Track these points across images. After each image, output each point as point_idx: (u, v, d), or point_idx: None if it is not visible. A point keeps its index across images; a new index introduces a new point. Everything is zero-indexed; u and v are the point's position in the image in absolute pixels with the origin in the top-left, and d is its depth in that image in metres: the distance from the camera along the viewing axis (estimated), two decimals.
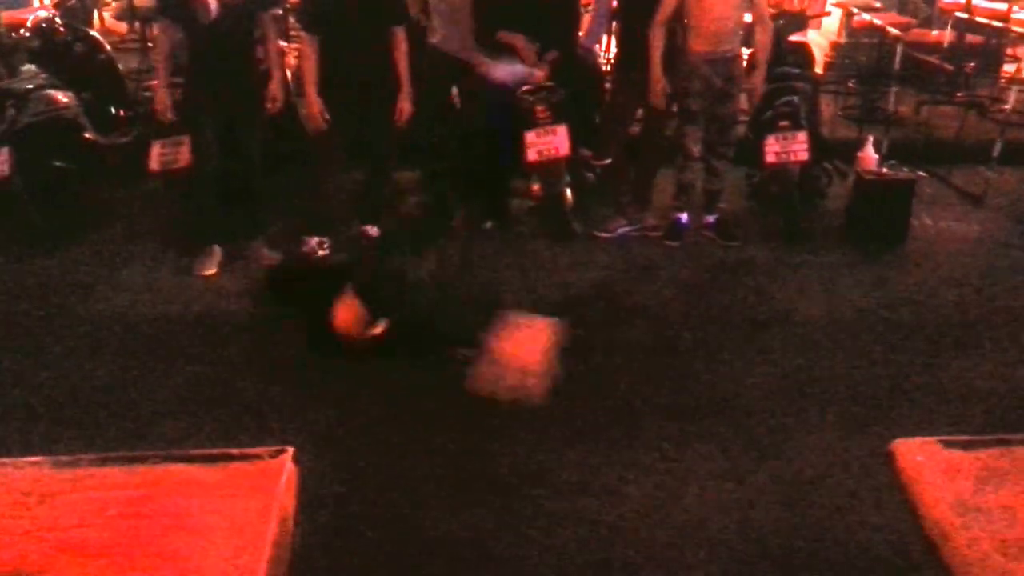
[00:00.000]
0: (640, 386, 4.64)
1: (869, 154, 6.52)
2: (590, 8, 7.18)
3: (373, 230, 6.32)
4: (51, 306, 5.49)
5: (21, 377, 4.72)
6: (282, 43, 7.31)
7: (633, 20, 6.22)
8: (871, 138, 6.79)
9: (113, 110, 7.39)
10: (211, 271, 5.91)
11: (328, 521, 3.55)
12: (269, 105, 5.82)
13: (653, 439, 4.17)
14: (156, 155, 5.89)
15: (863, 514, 3.66)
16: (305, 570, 2.96)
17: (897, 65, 8.33)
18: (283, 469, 2.20)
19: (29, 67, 6.80)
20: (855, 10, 9.57)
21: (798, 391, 4.61)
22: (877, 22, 8.84)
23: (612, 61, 6.81)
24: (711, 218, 6.53)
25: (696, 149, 6.27)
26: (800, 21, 7.88)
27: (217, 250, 6.04)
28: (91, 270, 5.98)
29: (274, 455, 2.26)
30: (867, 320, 5.39)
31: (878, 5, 9.79)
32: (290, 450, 2.27)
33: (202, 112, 5.78)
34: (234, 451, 2.29)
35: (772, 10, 6.40)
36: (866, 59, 9.48)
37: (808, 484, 3.88)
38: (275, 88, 5.81)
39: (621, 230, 6.56)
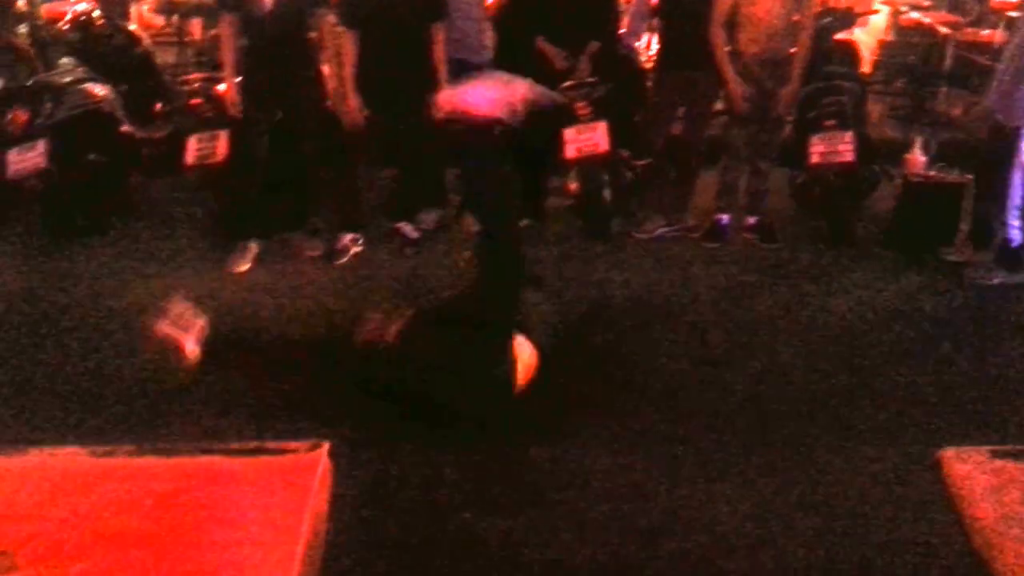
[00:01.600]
0: (675, 389, 4.55)
1: (917, 156, 6.40)
2: (630, 6, 7.12)
3: (408, 228, 6.28)
4: (85, 297, 5.50)
5: (54, 367, 4.72)
6: None
7: (674, 18, 6.17)
8: (919, 139, 6.66)
9: (150, 104, 7.40)
10: (244, 267, 5.89)
11: (358, 518, 3.48)
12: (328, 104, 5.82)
13: (688, 443, 4.09)
14: (192, 149, 5.89)
15: (906, 525, 3.55)
16: (335, 565, 2.93)
17: (947, 65, 8.19)
18: (318, 464, 2.16)
19: (67, 60, 6.83)
20: (904, 8, 9.44)
21: (840, 397, 4.50)
22: (926, 20, 8.70)
23: (653, 59, 6.73)
24: (752, 220, 6.43)
25: (744, 150, 6.19)
26: (847, 19, 7.76)
27: (253, 246, 6.02)
28: (126, 262, 5.99)
29: (310, 449, 2.22)
30: (913, 326, 5.27)
31: (927, 3, 9.65)
32: (326, 445, 2.23)
33: (256, 106, 5.76)
34: (270, 444, 2.25)
35: (818, 8, 6.28)
36: (915, 58, 9.33)
37: (849, 493, 3.77)
38: (341, 94, 5.81)
39: (660, 230, 6.47)
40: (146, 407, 4.34)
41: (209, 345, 4.81)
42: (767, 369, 4.78)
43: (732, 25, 5.89)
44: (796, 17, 5.93)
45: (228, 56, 5.80)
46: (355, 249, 6.12)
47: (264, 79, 5.72)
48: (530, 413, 4.20)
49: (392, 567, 3.36)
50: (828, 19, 6.93)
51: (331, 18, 5.88)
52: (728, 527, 3.56)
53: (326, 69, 5.89)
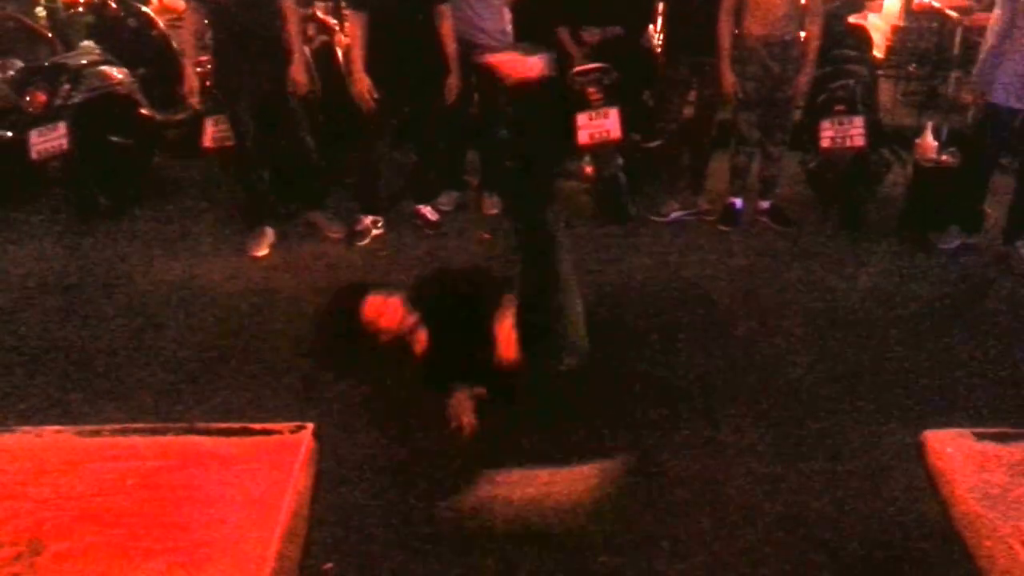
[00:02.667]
0: (690, 369, 4.58)
1: (928, 141, 6.36)
2: None
3: (428, 210, 6.33)
4: (108, 278, 5.59)
5: (78, 344, 4.81)
6: (332, 21, 7.34)
7: (684, 1, 6.15)
8: (930, 124, 6.62)
9: (168, 87, 7.46)
10: (263, 252, 5.95)
11: (347, 499, 3.53)
12: (291, 89, 5.74)
13: (701, 422, 4.12)
14: (210, 132, 5.98)
15: (906, 506, 3.58)
16: (320, 545, 2.98)
17: (957, 49, 8.11)
18: (302, 444, 2.20)
19: (86, 43, 6.90)
20: None
21: (850, 379, 4.51)
22: (937, 5, 8.62)
23: (663, 42, 6.72)
24: (766, 203, 6.44)
25: (752, 133, 6.19)
26: (859, 3, 7.70)
27: (269, 231, 6.08)
28: (148, 244, 6.08)
29: (294, 431, 2.26)
30: (923, 309, 5.26)
31: None
32: (310, 426, 2.27)
33: (233, 92, 5.73)
34: (255, 426, 2.29)
35: None
36: (927, 43, 9.25)
37: (857, 474, 3.80)
38: (295, 71, 5.70)
39: (675, 214, 6.50)
40: (167, 386, 4.41)
41: (232, 325, 4.96)
42: (782, 348, 4.80)
43: (739, 7, 5.86)
44: (804, 1, 5.92)
45: (187, 41, 5.83)
46: (376, 231, 6.17)
47: (235, 65, 5.65)
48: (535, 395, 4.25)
49: (374, 548, 3.36)
50: (839, 3, 6.88)
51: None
52: (741, 503, 3.61)
53: (296, 55, 5.74)
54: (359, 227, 6.13)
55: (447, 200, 6.62)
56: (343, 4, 7.12)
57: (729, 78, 5.92)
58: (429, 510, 3.49)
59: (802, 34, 5.92)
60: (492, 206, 6.59)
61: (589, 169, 6.82)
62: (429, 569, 3.25)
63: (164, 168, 7.27)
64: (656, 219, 6.47)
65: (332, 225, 6.22)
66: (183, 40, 5.95)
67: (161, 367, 4.58)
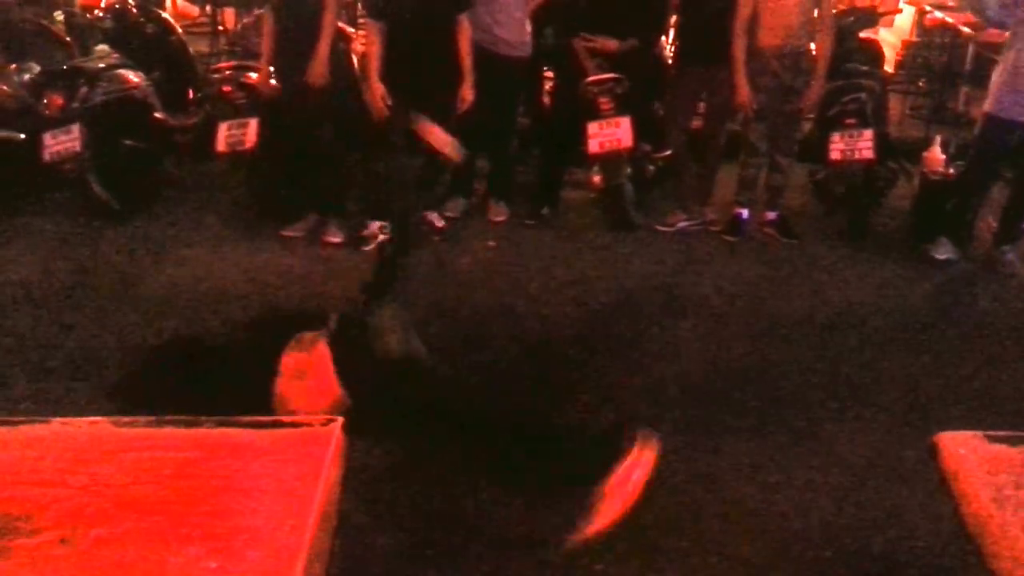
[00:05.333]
0: (692, 380, 4.61)
1: (936, 154, 6.42)
2: None
3: (434, 216, 6.38)
4: (119, 278, 5.62)
5: (89, 342, 4.83)
6: (349, 29, 7.39)
7: (694, 12, 6.22)
8: (939, 138, 6.68)
9: (182, 91, 7.52)
10: (296, 233, 6.17)
11: (375, 492, 3.56)
12: (308, 79, 5.82)
13: (704, 430, 4.15)
14: (223, 136, 6.03)
15: (913, 511, 3.62)
16: (349, 537, 3.00)
17: (968, 65, 8.18)
18: (332, 437, 2.25)
19: (102, 47, 6.96)
20: (928, 8, 9.42)
21: (854, 390, 4.56)
22: (950, 20, 8.69)
23: (674, 53, 6.78)
24: (772, 214, 6.48)
25: (761, 144, 6.23)
26: (871, 18, 7.77)
27: (311, 217, 6.26)
28: (159, 245, 6.11)
29: (324, 424, 2.30)
30: (927, 321, 5.32)
31: (952, 3, 9.62)
32: (339, 419, 2.31)
33: (280, 91, 5.87)
34: (286, 418, 2.34)
35: (843, 6, 6.30)
36: (938, 58, 9.32)
37: (859, 481, 3.84)
38: (317, 62, 5.80)
39: (680, 224, 6.53)
40: (175, 381, 4.40)
41: (239, 326, 4.99)
42: (785, 360, 4.84)
43: (751, 19, 5.92)
44: (816, 12, 5.98)
45: (265, 43, 5.97)
46: (382, 236, 6.21)
47: (284, 64, 5.84)
48: (549, 398, 4.31)
49: (401, 541, 3.40)
50: (851, 18, 6.95)
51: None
52: (741, 509, 3.64)
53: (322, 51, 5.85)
54: (366, 232, 6.17)
55: (454, 207, 6.65)
56: (359, 12, 7.16)
57: (745, 91, 5.96)
58: None
59: (812, 46, 5.99)
60: (498, 213, 6.64)
61: (597, 178, 6.87)
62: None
63: (174, 170, 7.30)
64: (662, 229, 6.50)
65: (334, 232, 6.25)
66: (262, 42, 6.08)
67: (167, 368, 4.59)
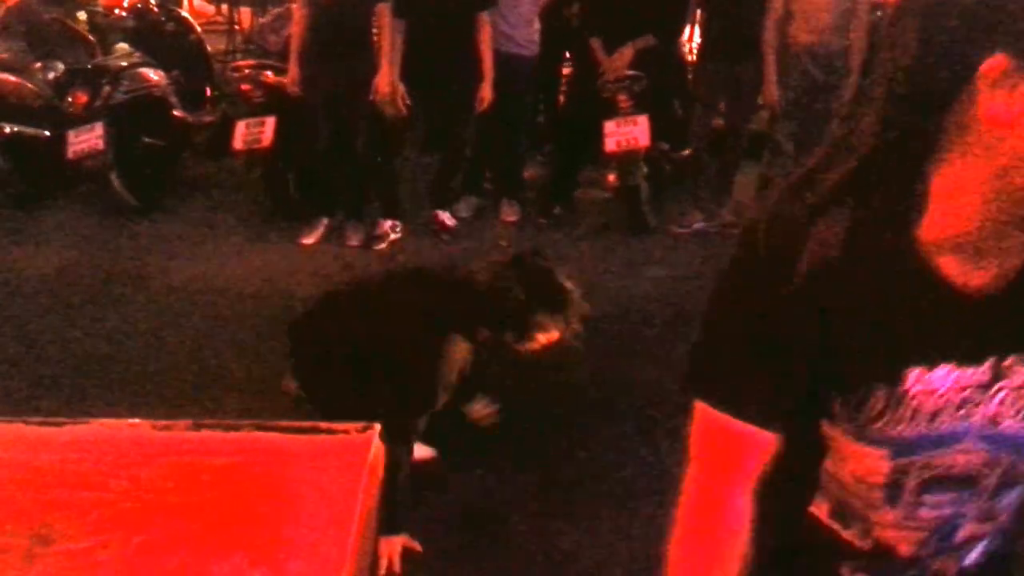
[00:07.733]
0: None
1: None
2: None
3: (446, 216, 6.39)
4: (133, 276, 5.65)
5: (106, 339, 4.86)
6: None
7: (718, 9, 6.20)
8: None
9: (200, 89, 7.55)
10: (311, 240, 6.15)
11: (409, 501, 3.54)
12: (372, 96, 5.85)
13: None
14: (240, 134, 6.06)
15: None
16: None
17: None
18: (371, 444, 2.24)
19: (123, 46, 6.99)
20: None
21: None
22: None
23: (696, 51, 6.75)
24: None
25: (787, 144, 6.10)
26: None
27: (325, 220, 6.26)
28: (176, 242, 6.15)
29: (362, 431, 2.30)
30: None
31: None
32: (377, 426, 2.30)
33: (314, 90, 5.88)
34: (323, 424, 2.33)
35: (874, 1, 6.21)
36: None
37: None
38: (381, 80, 5.82)
39: (697, 225, 6.47)
40: (192, 382, 4.46)
41: (255, 324, 4.99)
42: None
43: (784, 15, 5.85)
44: (848, 6, 5.86)
45: (294, 43, 5.96)
46: (394, 236, 6.23)
47: (323, 67, 5.82)
48: (560, 409, 4.30)
49: (435, 553, 3.36)
50: (878, 13, 6.89)
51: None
52: None
53: (384, 65, 5.91)
54: (379, 231, 6.19)
55: (466, 206, 6.67)
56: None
57: (774, 90, 5.90)
58: None
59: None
60: (510, 213, 6.64)
61: (612, 177, 6.83)
62: None
63: (191, 168, 7.33)
64: (678, 230, 6.44)
65: (350, 233, 6.27)
66: (293, 36, 6.06)
67: (183, 365, 4.63)
